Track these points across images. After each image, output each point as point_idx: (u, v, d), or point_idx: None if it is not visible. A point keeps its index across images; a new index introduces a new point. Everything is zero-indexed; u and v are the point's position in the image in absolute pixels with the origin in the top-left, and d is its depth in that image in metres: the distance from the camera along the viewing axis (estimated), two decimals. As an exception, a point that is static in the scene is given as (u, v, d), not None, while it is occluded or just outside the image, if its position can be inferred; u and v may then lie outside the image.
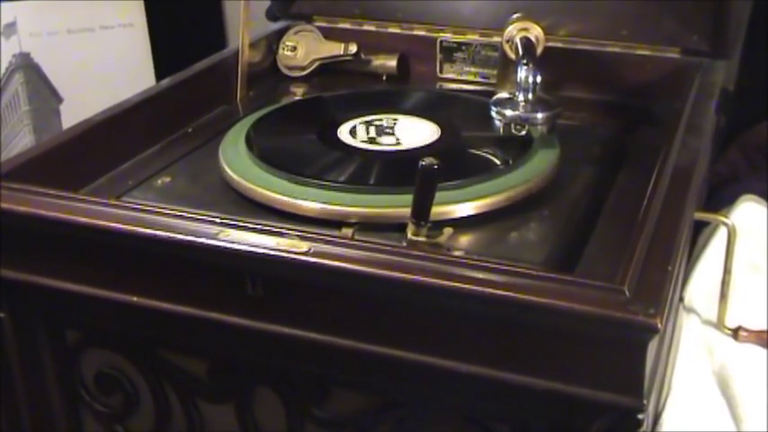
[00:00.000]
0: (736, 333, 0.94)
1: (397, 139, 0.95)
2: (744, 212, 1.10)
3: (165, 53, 1.61)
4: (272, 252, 0.71)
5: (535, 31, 1.00)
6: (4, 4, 1.55)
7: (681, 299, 1.00)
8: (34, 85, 1.57)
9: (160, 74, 1.58)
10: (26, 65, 1.56)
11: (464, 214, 0.83)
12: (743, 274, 0.99)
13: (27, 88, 1.57)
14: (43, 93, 1.58)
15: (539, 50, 0.99)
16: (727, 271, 0.91)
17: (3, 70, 1.55)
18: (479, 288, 0.65)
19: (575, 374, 0.66)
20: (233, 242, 0.72)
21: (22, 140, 1.58)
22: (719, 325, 0.95)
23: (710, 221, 1.01)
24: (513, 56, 1.00)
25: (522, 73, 0.92)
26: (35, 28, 1.56)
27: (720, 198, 1.20)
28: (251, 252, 0.71)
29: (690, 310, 0.98)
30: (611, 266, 0.72)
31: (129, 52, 1.60)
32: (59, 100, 1.59)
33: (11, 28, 1.55)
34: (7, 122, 1.57)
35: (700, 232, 1.09)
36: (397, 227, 0.80)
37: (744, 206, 1.11)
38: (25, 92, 1.57)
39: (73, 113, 1.55)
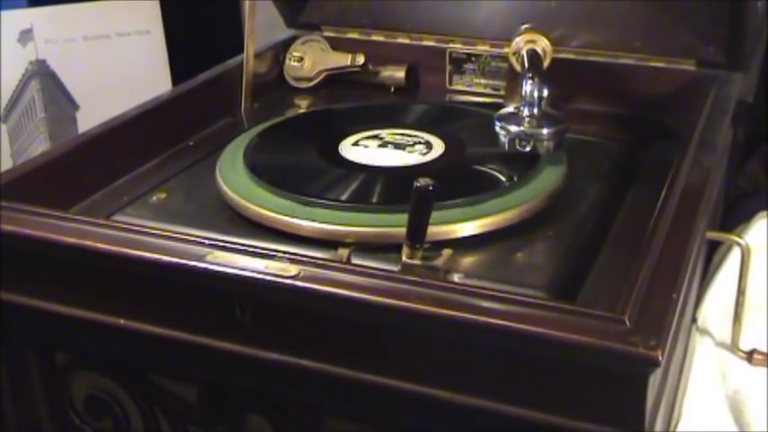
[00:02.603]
0: (750, 356, 0.91)
1: (400, 156, 0.92)
2: (760, 230, 1.06)
3: (182, 60, 1.60)
4: (261, 276, 0.68)
5: (542, 43, 0.97)
6: (20, 11, 1.54)
7: (694, 320, 0.97)
8: (50, 92, 1.56)
9: (177, 81, 1.56)
10: (42, 72, 1.55)
11: (465, 234, 0.80)
12: (758, 295, 0.95)
13: (43, 95, 1.56)
14: (59, 100, 1.57)
15: (546, 63, 0.96)
16: (741, 292, 0.88)
17: (19, 77, 1.54)
18: (473, 316, 0.63)
19: (573, 407, 0.63)
20: (221, 265, 0.70)
21: (38, 148, 1.57)
22: (733, 348, 0.91)
23: (724, 241, 0.98)
24: (519, 68, 0.97)
25: (527, 87, 0.89)
26: (51, 35, 1.55)
27: (739, 213, 1.17)
28: (239, 275, 0.69)
29: (703, 332, 0.95)
30: (616, 292, 0.69)
31: (145, 59, 1.58)
32: (75, 107, 1.58)
33: (27, 35, 1.54)
34: (23, 130, 1.56)
35: (715, 250, 1.06)
36: (397, 247, 0.77)
37: (760, 223, 1.07)
38: (41, 99, 1.56)
39: (89, 121, 1.53)
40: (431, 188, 0.71)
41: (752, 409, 0.85)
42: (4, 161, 1.54)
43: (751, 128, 1.16)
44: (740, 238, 0.87)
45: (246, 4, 1.12)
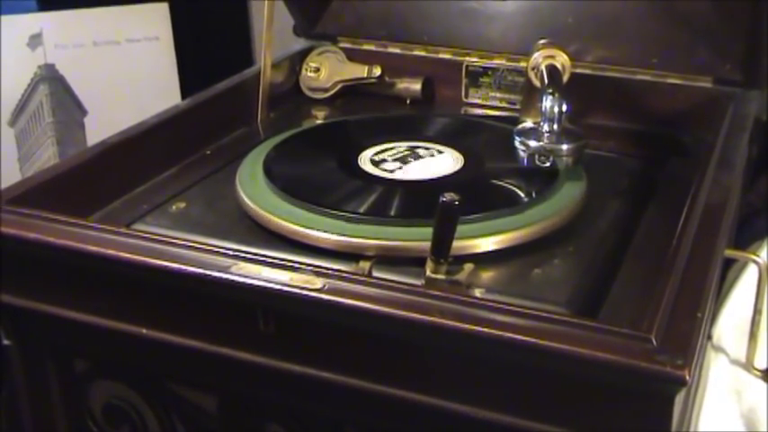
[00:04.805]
0: (766, 375, 0.90)
1: (419, 169, 0.93)
2: (776, 248, 1.06)
3: (191, 67, 1.60)
4: (286, 288, 0.68)
5: (561, 59, 0.97)
6: (30, 15, 1.55)
7: (709, 337, 0.97)
8: (59, 97, 1.57)
9: (185, 88, 1.57)
10: (51, 77, 1.56)
11: (486, 249, 0.80)
12: (774, 314, 0.95)
13: (51, 100, 1.56)
14: (68, 105, 1.58)
15: (565, 78, 0.96)
16: (758, 311, 0.88)
17: (28, 82, 1.54)
18: (498, 332, 0.63)
19: (596, 426, 0.63)
20: (245, 276, 0.70)
21: (45, 152, 1.57)
22: (749, 366, 0.91)
23: (741, 259, 0.98)
24: (538, 84, 0.97)
25: (547, 102, 0.89)
26: (61, 40, 1.55)
27: (752, 230, 1.16)
28: (263, 287, 0.69)
29: (718, 349, 0.95)
30: (637, 309, 0.70)
31: (154, 65, 1.59)
32: (84, 112, 1.58)
33: (36, 39, 1.54)
34: (31, 134, 1.57)
35: (730, 267, 1.06)
36: (417, 261, 0.78)
37: (776, 242, 1.07)
38: (50, 104, 1.56)
39: (97, 126, 1.55)
40: (456, 203, 0.72)
41: (767, 428, 0.86)
42: (12, 165, 1.55)
43: (764, 145, 1.16)
44: (757, 256, 0.87)
45: (264, 15, 1.12)
